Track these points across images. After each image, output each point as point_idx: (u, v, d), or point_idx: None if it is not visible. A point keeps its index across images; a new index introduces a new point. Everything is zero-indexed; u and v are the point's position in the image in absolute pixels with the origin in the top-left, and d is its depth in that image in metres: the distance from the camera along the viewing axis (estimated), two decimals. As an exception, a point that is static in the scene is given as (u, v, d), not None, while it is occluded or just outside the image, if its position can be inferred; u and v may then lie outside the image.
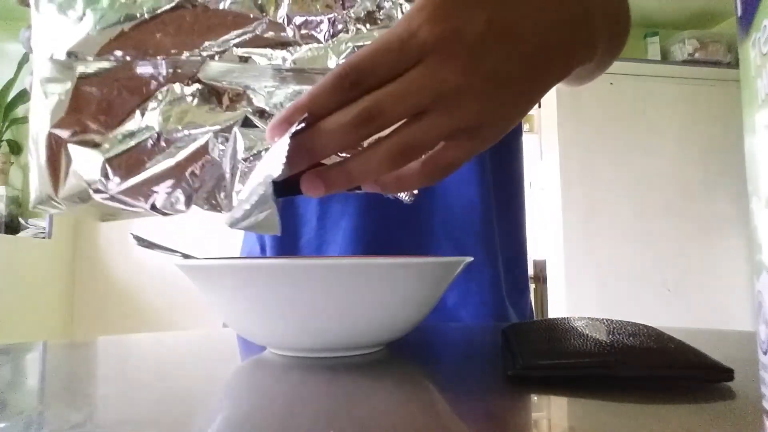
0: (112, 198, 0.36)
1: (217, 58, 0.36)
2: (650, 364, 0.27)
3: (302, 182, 0.28)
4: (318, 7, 0.37)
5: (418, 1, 0.27)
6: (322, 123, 0.27)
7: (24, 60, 2.37)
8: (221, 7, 0.36)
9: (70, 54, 0.35)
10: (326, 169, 0.28)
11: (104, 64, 0.36)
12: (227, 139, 0.36)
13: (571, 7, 0.30)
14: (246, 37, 0.36)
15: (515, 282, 0.66)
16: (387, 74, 0.26)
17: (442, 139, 0.28)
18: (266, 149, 0.34)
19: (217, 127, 0.36)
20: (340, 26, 0.37)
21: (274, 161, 0.25)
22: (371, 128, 0.26)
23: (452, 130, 0.27)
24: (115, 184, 0.35)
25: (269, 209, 0.26)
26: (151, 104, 0.36)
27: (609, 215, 2.37)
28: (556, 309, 2.37)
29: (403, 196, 0.40)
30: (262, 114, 0.37)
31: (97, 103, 0.36)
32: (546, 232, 2.51)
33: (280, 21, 0.37)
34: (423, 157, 0.29)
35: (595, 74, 0.47)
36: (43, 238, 2.27)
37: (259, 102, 0.37)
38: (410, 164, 0.29)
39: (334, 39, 0.37)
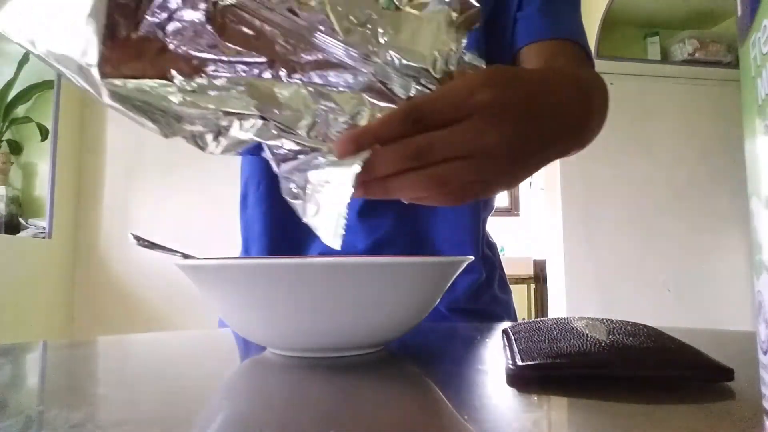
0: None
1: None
2: (650, 364, 0.27)
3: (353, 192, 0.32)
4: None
5: (474, 73, 0.35)
6: (382, 149, 0.32)
7: (24, 60, 2.37)
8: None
9: None
10: (369, 182, 0.33)
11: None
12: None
13: (581, 101, 0.41)
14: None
15: (491, 277, 0.67)
16: (442, 120, 0.32)
17: (470, 181, 0.33)
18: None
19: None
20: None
21: (344, 187, 0.31)
22: (421, 162, 0.32)
23: (480, 178, 0.33)
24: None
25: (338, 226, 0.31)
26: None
27: (609, 215, 2.37)
28: (556, 309, 2.37)
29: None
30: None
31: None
32: (546, 232, 2.51)
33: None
34: None
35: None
36: (43, 238, 2.27)
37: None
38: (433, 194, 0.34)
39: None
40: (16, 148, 2.41)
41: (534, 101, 0.35)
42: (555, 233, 2.39)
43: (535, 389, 0.26)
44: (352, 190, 0.30)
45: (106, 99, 0.36)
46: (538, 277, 3.02)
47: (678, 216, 2.41)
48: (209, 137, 0.37)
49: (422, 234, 0.61)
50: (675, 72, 2.49)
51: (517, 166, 0.35)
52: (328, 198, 0.33)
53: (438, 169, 0.32)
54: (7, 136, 2.38)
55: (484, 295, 0.64)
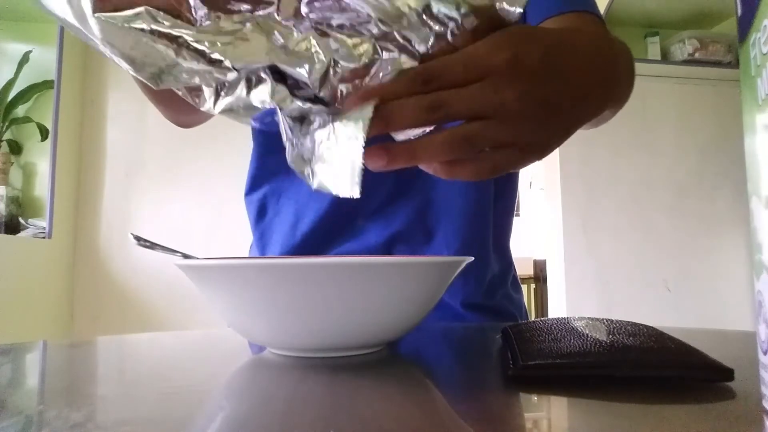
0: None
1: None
2: (650, 364, 0.27)
3: (367, 155, 0.30)
4: None
5: (486, 37, 0.32)
6: (399, 101, 0.31)
7: (24, 60, 2.37)
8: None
9: None
10: (393, 145, 0.31)
11: None
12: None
13: (605, 56, 0.38)
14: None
15: (504, 275, 0.67)
16: (454, 80, 0.31)
17: (495, 145, 0.32)
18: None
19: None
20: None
21: (355, 141, 0.29)
22: (438, 114, 0.30)
23: (504, 139, 0.32)
24: None
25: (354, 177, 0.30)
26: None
27: (609, 215, 2.37)
28: (556, 309, 2.37)
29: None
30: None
31: None
32: (546, 232, 2.51)
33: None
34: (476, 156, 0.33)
35: (603, 122, 0.56)
36: (43, 238, 2.27)
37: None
38: (464, 165, 0.33)
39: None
40: (16, 148, 2.41)
41: (554, 57, 0.33)
42: (555, 233, 2.39)
43: (535, 389, 0.26)
44: (364, 137, 0.29)
45: (101, 45, 0.34)
46: (538, 277, 3.02)
47: (678, 216, 2.41)
48: (207, 92, 0.35)
49: (436, 230, 0.61)
50: (675, 72, 2.49)
51: (544, 125, 0.33)
52: (339, 152, 0.31)
53: (462, 128, 0.31)
54: (7, 136, 2.38)
55: (498, 291, 0.64)
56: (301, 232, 0.63)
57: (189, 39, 0.34)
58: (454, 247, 0.60)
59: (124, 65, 0.35)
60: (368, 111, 0.30)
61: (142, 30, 0.34)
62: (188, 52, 0.34)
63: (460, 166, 0.33)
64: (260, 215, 0.68)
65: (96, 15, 0.33)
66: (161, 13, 0.34)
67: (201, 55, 0.34)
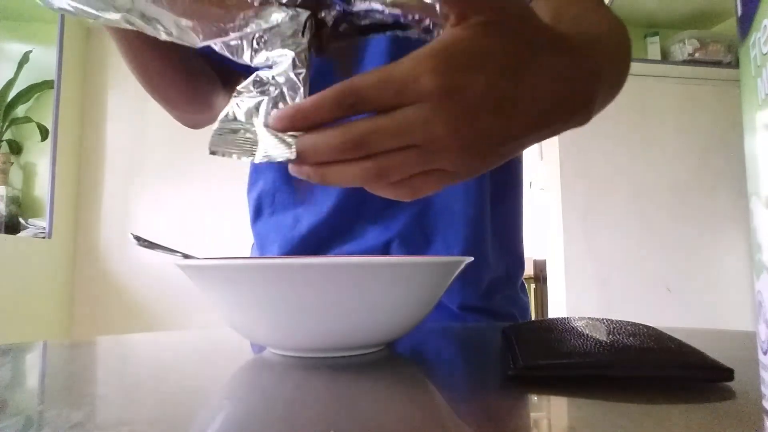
0: None
1: None
2: (650, 364, 0.27)
3: (290, 167, 0.31)
4: None
5: (430, 46, 0.28)
6: (318, 137, 0.29)
7: (24, 60, 2.37)
8: None
9: None
10: (304, 168, 0.30)
11: None
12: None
13: (573, 82, 0.32)
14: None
15: (510, 277, 0.67)
16: (381, 106, 0.28)
17: (419, 174, 0.30)
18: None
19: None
20: None
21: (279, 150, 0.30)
22: (362, 152, 0.29)
23: (429, 170, 0.30)
24: None
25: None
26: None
27: (609, 215, 2.37)
28: (556, 309, 2.37)
29: None
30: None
31: None
32: (546, 232, 2.51)
33: None
34: None
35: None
36: (43, 238, 2.27)
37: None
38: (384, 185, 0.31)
39: None
40: (16, 148, 2.41)
41: (504, 87, 0.29)
42: (555, 233, 2.39)
43: (535, 389, 0.26)
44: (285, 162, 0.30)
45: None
46: (538, 277, 3.01)
47: (678, 216, 2.41)
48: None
49: (435, 233, 0.61)
50: (675, 72, 2.49)
51: (479, 156, 0.30)
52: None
53: (378, 161, 0.29)
54: (7, 136, 2.38)
55: (498, 294, 0.64)
56: (299, 234, 0.63)
57: None
58: (453, 251, 0.60)
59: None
60: (291, 153, 0.30)
61: None
62: None
63: (380, 190, 0.32)
64: (257, 214, 0.68)
65: None
66: None
67: None
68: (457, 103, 0.28)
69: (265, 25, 0.36)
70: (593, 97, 0.33)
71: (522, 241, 0.70)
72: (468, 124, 0.28)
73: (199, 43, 0.37)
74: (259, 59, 0.36)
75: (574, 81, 0.32)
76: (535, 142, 0.33)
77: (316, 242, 0.62)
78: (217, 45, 0.38)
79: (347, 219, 0.61)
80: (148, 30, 0.37)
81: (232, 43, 0.37)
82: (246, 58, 0.37)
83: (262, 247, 0.68)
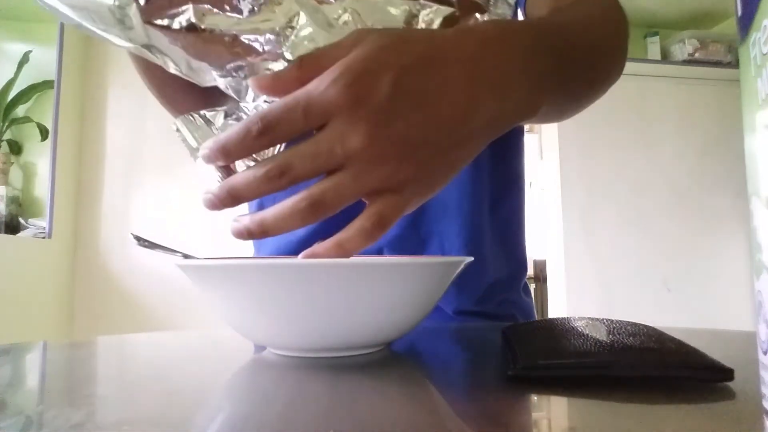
0: None
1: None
2: (650, 364, 0.27)
3: (231, 228, 0.31)
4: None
5: (330, 67, 0.28)
6: (241, 175, 0.29)
7: (24, 60, 2.37)
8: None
9: None
10: (243, 218, 0.31)
11: None
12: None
13: (501, 58, 0.30)
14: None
15: (511, 280, 0.66)
16: (292, 129, 0.28)
17: (359, 197, 0.29)
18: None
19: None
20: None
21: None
22: (283, 182, 0.28)
23: (366, 189, 0.29)
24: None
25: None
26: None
27: (609, 215, 2.37)
28: (556, 309, 2.37)
29: None
30: None
31: None
32: (546, 232, 2.51)
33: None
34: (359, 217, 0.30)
35: (575, 111, 0.46)
36: (43, 238, 2.27)
37: None
38: (348, 229, 0.30)
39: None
40: (16, 148, 2.42)
41: (411, 81, 0.27)
42: (555, 233, 2.39)
43: (535, 389, 0.26)
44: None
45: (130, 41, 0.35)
46: (538, 277, 3.02)
47: (678, 216, 2.41)
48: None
49: (430, 237, 0.61)
50: (675, 72, 2.49)
51: (411, 162, 0.28)
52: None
53: (309, 191, 0.28)
54: (7, 136, 2.38)
55: (498, 297, 0.63)
56: (296, 238, 0.62)
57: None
58: (449, 254, 0.60)
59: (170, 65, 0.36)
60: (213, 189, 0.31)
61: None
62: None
63: (347, 237, 0.30)
64: None
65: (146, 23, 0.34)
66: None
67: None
68: (367, 109, 0.27)
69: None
70: (528, 82, 0.31)
71: (524, 243, 0.70)
72: (384, 128, 0.27)
73: (206, 83, 0.38)
74: (258, 101, 0.38)
75: (494, 66, 0.29)
76: (478, 140, 0.30)
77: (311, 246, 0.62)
78: (222, 85, 0.38)
79: (342, 222, 0.61)
80: (158, 61, 0.37)
81: (237, 86, 0.38)
82: (249, 100, 0.38)
83: (259, 251, 0.68)
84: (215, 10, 0.35)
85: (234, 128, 0.28)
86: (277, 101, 0.28)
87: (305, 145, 0.28)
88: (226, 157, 0.29)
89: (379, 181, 0.28)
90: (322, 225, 0.61)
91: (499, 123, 0.31)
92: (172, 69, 0.38)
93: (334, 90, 0.27)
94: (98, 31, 0.36)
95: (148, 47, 0.37)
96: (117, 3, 0.34)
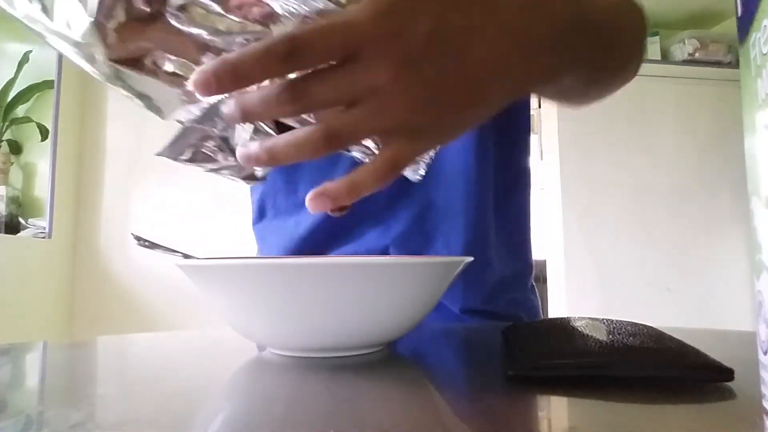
0: None
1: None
2: (650, 364, 0.27)
3: (238, 153, 0.29)
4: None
5: None
6: (257, 95, 0.27)
7: (24, 60, 2.37)
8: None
9: None
10: (252, 144, 0.28)
11: None
12: None
13: (533, 27, 0.30)
14: None
15: (517, 279, 0.66)
16: (322, 53, 0.26)
17: (374, 134, 0.29)
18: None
19: None
20: None
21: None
22: (297, 107, 0.27)
23: (382, 127, 0.28)
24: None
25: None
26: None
27: (609, 215, 2.37)
28: (556, 309, 2.37)
29: (410, 173, 0.40)
30: None
31: None
32: (546, 232, 2.51)
33: None
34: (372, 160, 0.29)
35: (594, 95, 0.46)
36: (43, 238, 2.27)
37: None
38: (361, 169, 0.29)
39: None
40: (16, 148, 2.41)
41: (449, 28, 0.27)
42: (555, 233, 2.39)
43: (535, 389, 0.26)
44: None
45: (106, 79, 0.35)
46: (538, 277, 3.00)
47: (678, 216, 2.41)
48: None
49: (435, 234, 0.60)
50: (675, 72, 2.49)
51: (429, 109, 0.28)
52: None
53: (325, 122, 0.27)
54: (7, 136, 2.38)
55: (504, 296, 0.62)
56: (299, 235, 0.62)
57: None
58: (455, 252, 0.60)
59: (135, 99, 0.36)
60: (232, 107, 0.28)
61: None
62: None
63: (360, 179, 0.29)
64: (260, 216, 0.68)
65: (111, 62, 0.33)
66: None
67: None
68: (401, 45, 0.26)
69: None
70: (554, 51, 0.31)
71: (530, 242, 0.69)
72: (414, 68, 0.26)
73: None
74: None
75: (527, 31, 0.29)
76: (498, 99, 0.30)
77: (315, 243, 0.62)
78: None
79: (347, 219, 0.61)
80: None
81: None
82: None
83: (263, 248, 0.68)
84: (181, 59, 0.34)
85: (248, 48, 0.25)
86: (307, 24, 0.26)
87: (327, 71, 0.26)
88: (233, 80, 0.25)
89: (396, 122, 0.28)
90: (327, 221, 0.61)
91: (522, 86, 0.31)
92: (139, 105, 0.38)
93: (374, 21, 0.26)
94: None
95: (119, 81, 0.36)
96: (83, 41, 0.33)
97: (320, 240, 0.62)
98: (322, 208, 0.29)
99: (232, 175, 0.42)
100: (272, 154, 0.28)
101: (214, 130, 0.38)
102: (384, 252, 0.60)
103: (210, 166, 0.40)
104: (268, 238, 0.67)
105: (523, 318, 0.63)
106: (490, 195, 0.61)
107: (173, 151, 0.37)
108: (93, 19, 0.32)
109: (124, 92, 0.36)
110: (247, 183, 0.43)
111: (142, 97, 0.36)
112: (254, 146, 0.28)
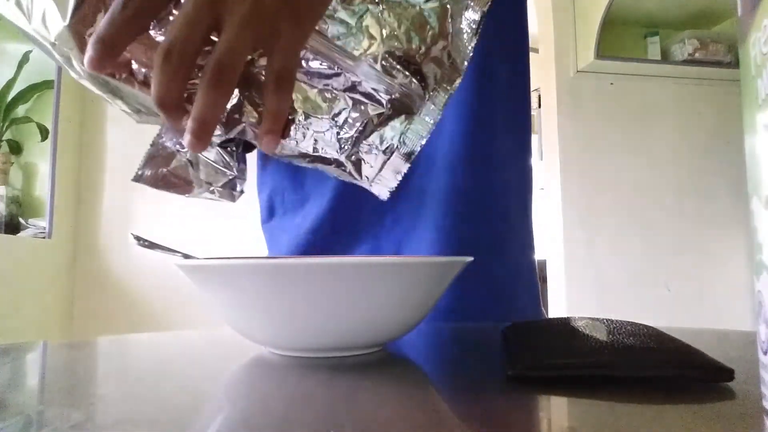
0: None
1: None
2: (650, 364, 0.27)
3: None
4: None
5: None
6: (197, 109, 0.30)
7: (24, 60, 2.36)
8: None
9: None
10: (189, 122, 0.31)
11: None
12: None
13: None
14: None
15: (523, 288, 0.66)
16: (191, 36, 0.29)
17: (250, 49, 0.31)
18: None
19: None
20: None
21: None
22: (226, 82, 0.30)
23: (249, 37, 0.30)
24: None
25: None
26: None
27: (609, 215, 2.37)
28: (556, 309, 2.37)
29: (377, 189, 0.41)
30: None
31: None
32: (546, 232, 2.51)
33: None
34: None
35: None
36: (43, 238, 2.27)
37: None
38: (265, 97, 0.32)
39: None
40: (16, 148, 2.41)
41: None
42: (555, 233, 2.39)
43: (535, 389, 0.26)
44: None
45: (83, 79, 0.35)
46: (538, 277, 3.01)
47: (678, 216, 2.41)
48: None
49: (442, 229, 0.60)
50: (675, 72, 2.49)
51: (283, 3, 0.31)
52: None
53: (209, 59, 0.30)
54: (7, 136, 2.38)
55: (507, 303, 0.62)
56: (306, 228, 0.63)
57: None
58: (465, 250, 0.59)
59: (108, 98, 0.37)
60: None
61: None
62: None
63: (269, 109, 0.32)
64: (269, 214, 0.68)
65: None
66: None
67: None
68: None
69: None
70: None
71: (533, 248, 0.69)
72: None
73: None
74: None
75: None
76: None
77: (323, 235, 0.62)
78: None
79: (352, 210, 0.61)
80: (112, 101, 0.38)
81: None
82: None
83: (272, 247, 0.68)
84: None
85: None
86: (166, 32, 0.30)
87: (174, 24, 0.29)
88: (109, 36, 0.29)
89: (261, 31, 0.30)
90: (333, 212, 0.61)
91: None
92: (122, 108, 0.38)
93: None
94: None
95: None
96: (56, 42, 0.34)
97: (326, 232, 0.62)
98: (275, 144, 0.33)
99: (212, 195, 0.43)
100: (197, 120, 0.30)
101: (179, 147, 0.39)
102: (395, 241, 0.60)
103: (186, 188, 0.42)
104: (278, 235, 0.67)
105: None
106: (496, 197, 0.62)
107: (148, 179, 0.38)
108: (67, 24, 0.32)
109: (98, 92, 0.36)
110: (229, 200, 0.44)
111: (116, 98, 0.37)
112: (186, 128, 0.31)
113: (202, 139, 0.31)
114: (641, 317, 0.36)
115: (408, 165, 0.38)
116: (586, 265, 2.33)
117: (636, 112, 2.43)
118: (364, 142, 0.37)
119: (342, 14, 0.36)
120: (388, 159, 0.37)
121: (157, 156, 0.39)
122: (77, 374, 0.33)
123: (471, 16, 0.36)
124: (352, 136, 0.37)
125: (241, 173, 0.42)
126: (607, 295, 2.33)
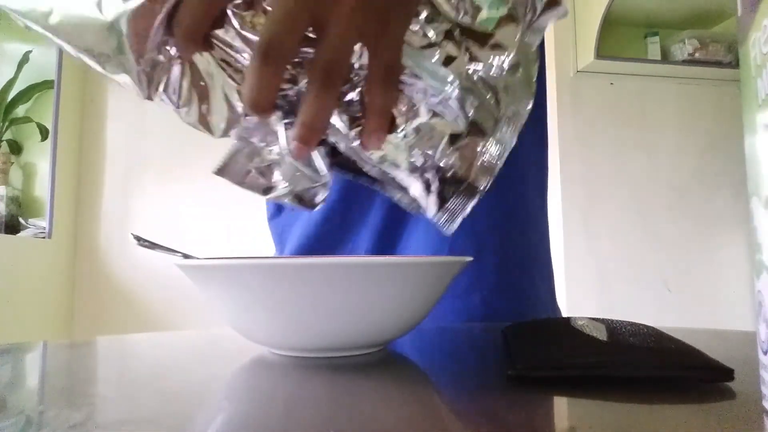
0: None
1: None
2: (650, 364, 0.27)
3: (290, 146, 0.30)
4: None
5: None
6: (305, 115, 0.28)
7: (24, 60, 2.36)
8: None
9: None
10: (296, 127, 0.29)
11: None
12: None
13: None
14: None
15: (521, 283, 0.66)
16: (292, 36, 0.27)
17: (356, 43, 0.29)
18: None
19: None
20: None
21: None
22: (333, 86, 0.28)
23: (356, 32, 0.28)
24: None
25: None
26: None
27: (609, 215, 2.37)
28: (556, 309, 2.37)
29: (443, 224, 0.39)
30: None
31: None
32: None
33: None
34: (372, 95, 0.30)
35: None
36: (43, 238, 2.27)
37: None
38: (369, 91, 0.30)
39: None
40: (16, 148, 2.41)
41: None
42: (555, 233, 2.39)
43: (535, 389, 0.26)
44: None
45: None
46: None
47: (678, 216, 2.41)
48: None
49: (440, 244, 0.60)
50: (675, 72, 2.49)
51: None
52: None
53: (315, 59, 0.28)
54: (7, 136, 2.38)
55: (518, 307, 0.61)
56: (314, 221, 0.63)
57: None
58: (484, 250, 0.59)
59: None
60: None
61: None
62: None
63: (372, 97, 0.30)
64: (278, 209, 0.68)
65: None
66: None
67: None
68: None
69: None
70: None
71: (549, 252, 0.68)
72: None
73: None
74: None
75: None
76: None
77: (331, 228, 0.62)
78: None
79: (359, 205, 0.61)
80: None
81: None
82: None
83: (279, 243, 0.68)
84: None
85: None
86: (261, 27, 0.28)
87: (271, 21, 0.28)
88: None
89: (370, 24, 0.29)
90: (341, 204, 0.61)
91: None
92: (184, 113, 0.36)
93: None
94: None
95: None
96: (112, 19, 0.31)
97: (334, 224, 0.62)
98: (381, 142, 0.31)
99: (292, 201, 0.40)
100: (307, 124, 0.29)
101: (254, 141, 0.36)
102: (400, 235, 0.60)
103: (265, 185, 0.38)
104: (286, 230, 0.67)
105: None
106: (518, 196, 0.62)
107: (232, 173, 0.36)
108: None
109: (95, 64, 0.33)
110: (309, 207, 0.40)
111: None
112: (291, 135, 0.29)
113: (310, 145, 0.29)
114: (641, 317, 0.36)
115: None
116: (586, 265, 2.33)
117: (636, 112, 2.43)
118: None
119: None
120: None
121: (242, 151, 0.37)
122: (77, 374, 0.33)
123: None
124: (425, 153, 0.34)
125: (327, 181, 0.38)
126: (607, 294, 2.33)
